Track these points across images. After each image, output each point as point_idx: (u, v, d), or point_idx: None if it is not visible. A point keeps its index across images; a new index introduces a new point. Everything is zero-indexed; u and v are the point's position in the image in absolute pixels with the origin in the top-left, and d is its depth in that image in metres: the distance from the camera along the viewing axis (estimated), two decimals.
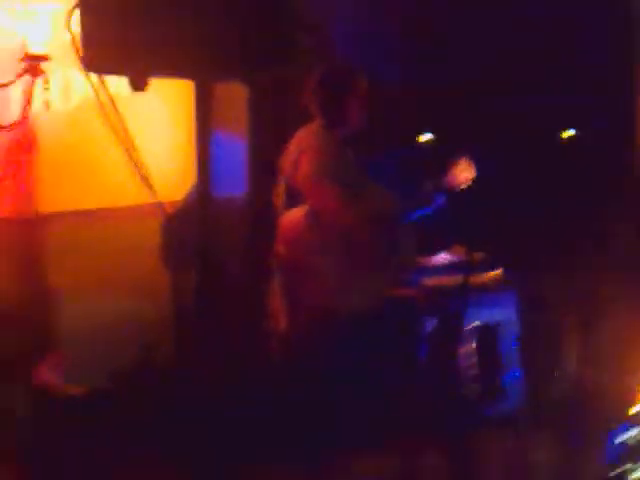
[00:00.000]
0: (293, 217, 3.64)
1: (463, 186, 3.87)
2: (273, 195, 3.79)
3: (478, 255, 3.78)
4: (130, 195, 3.88)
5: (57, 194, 4.19)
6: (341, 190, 3.55)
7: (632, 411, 3.63)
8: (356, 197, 3.62)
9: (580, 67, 4.67)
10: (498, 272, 3.93)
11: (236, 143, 4.39)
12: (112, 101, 2.59)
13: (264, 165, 4.21)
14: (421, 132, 4.36)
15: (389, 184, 3.80)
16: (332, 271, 3.57)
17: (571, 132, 4.26)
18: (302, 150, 3.62)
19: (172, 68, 2.48)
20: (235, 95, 4.14)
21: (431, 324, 3.95)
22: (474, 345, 3.76)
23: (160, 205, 2.72)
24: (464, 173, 3.88)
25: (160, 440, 3.24)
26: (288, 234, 3.63)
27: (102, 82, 2.62)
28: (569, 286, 4.26)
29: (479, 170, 3.87)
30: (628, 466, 3.47)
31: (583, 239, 3.87)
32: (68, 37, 2.58)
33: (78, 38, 2.53)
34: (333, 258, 3.58)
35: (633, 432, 3.55)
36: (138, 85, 2.53)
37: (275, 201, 3.79)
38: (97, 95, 2.59)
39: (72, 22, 2.56)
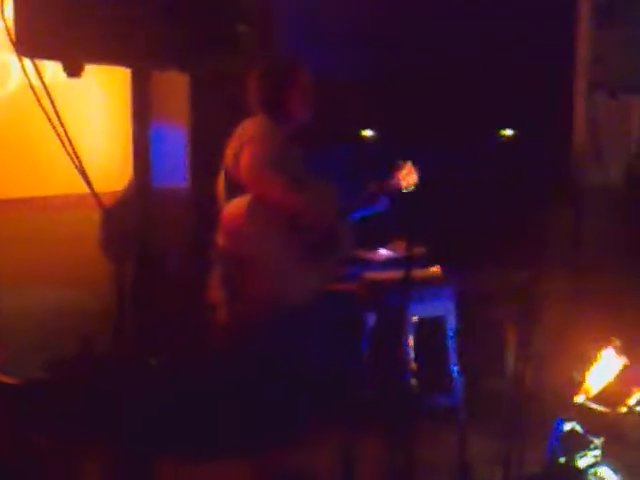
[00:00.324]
0: (233, 208, 3.62)
1: (406, 190, 3.94)
2: (216, 186, 3.77)
3: (418, 250, 3.80)
4: (68, 184, 3.82)
5: None
6: (284, 179, 3.55)
7: (573, 403, 3.70)
8: (299, 188, 3.62)
9: (519, 67, 4.73)
10: (437, 267, 3.97)
11: (177, 133, 4.36)
12: (46, 88, 2.53)
13: (206, 155, 4.19)
14: (364, 128, 4.39)
15: (332, 180, 3.81)
16: (271, 262, 3.56)
17: (509, 132, 4.32)
18: (245, 141, 3.61)
19: (107, 55, 2.44)
20: (177, 84, 4.11)
21: (372, 318, 3.98)
22: (412, 340, 3.78)
23: (96, 195, 2.66)
24: (407, 177, 3.95)
25: (96, 430, 3.21)
26: (228, 225, 3.61)
27: (36, 68, 2.56)
28: (507, 281, 4.31)
29: (420, 168, 3.94)
30: (569, 456, 3.55)
31: (521, 236, 3.92)
32: (1, 21, 2.53)
33: (11, 23, 2.48)
34: (272, 249, 3.58)
35: (573, 424, 3.62)
36: (73, 71, 2.48)
37: (217, 192, 3.77)
38: (30, 82, 2.53)
39: (5, 6, 2.51)
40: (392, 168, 3.95)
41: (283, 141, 3.65)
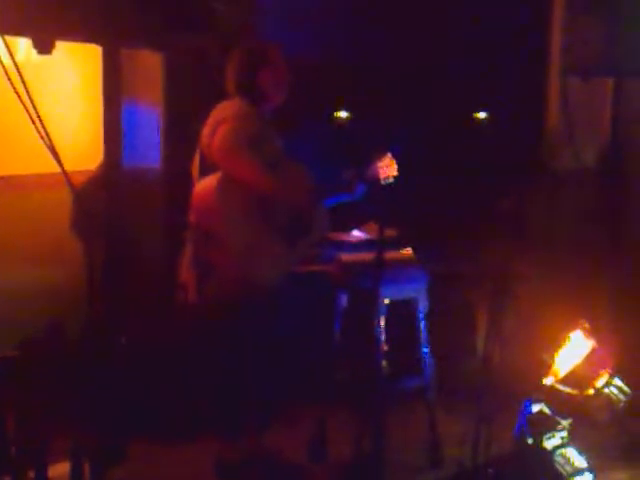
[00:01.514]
0: (203, 185, 3.61)
1: (384, 182, 3.92)
2: (191, 167, 3.76)
3: (390, 232, 3.82)
4: (39, 163, 3.79)
5: None
6: (257, 158, 3.54)
7: (541, 384, 3.74)
8: (272, 169, 3.61)
9: (493, 50, 4.74)
10: (409, 250, 3.99)
11: (152, 114, 4.33)
12: (17, 66, 2.51)
13: (180, 136, 4.17)
14: (338, 109, 4.38)
15: (306, 161, 3.81)
16: (239, 240, 3.56)
17: (482, 114, 4.33)
18: (219, 120, 3.59)
19: (78, 32, 2.42)
20: (151, 63, 4.07)
21: (344, 299, 4.00)
22: (383, 321, 3.80)
23: (66, 174, 2.65)
24: (387, 169, 3.93)
25: (67, 410, 3.21)
26: (198, 202, 3.60)
27: (7, 46, 2.54)
28: (478, 264, 4.35)
29: (393, 151, 3.92)
30: (537, 437, 3.59)
31: (493, 219, 3.95)
32: None
33: None
34: (241, 227, 3.57)
35: (541, 405, 3.66)
36: (44, 48, 2.46)
37: (192, 173, 3.75)
38: (1, 59, 2.50)
39: None
40: (371, 157, 3.93)
41: (258, 122, 3.64)
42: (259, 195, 3.58)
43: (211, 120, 3.65)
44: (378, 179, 3.91)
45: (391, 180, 3.92)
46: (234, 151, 3.51)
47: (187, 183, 3.77)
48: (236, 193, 3.55)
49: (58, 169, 2.79)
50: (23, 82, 2.50)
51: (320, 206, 3.80)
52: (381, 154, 3.94)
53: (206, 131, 3.65)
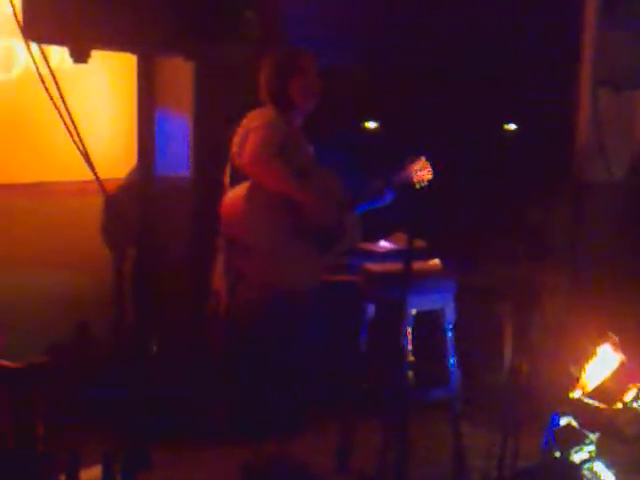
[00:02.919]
0: (233, 194, 3.63)
1: (418, 186, 3.90)
2: (222, 175, 3.78)
3: (418, 243, 3.81)
4: (70, 171, 3.83)
5: None
6: (286, 167, 3.55)
7: (569, 398, 3.71)
8: (302, 177, 3.62)
9: (524, 62, 4.73)
10: (437, 260, 3.98)
11: (181, 122, 4.36)
12: (52, 73, 2.53)
13: (209, 144, 4.19)
14: (368, 119, 4.39)
15: (336, 170, 3.82)
16: (269, 248, 3.56)
17: (512, 126, 4.32)
18: (249, 129, 3.61)
19: (114, 41, 2.44)
20: (181, 72, 4.11)
21: (371, 310, 4.00)
22: (410, 332, 3.79)
23: (100, 181, 2.67)
24: (421, 173, 3.91)
25: (95, 414, 3.23)
26: (228, 211, 3.62)
27: (43, 53, 2.57)
28: (506, 275, 4.33)
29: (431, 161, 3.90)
30: (564, 451, 3.56)
31: (521, 230, 3.93)
32: (9, 6, 2.53)
33: (19, 7, 2.48)
34: (270, 235, 3.58)
35: (569, 418, 3.64)
36: (80, 57, 2.48)
37: (224, 182, 3.77)
38: (36, 66, 2.53)
39: None
40: (405, 162, 3.89)
41: (288, 130, 3.65)
42: (289, 203, 3.60)
43: (241, 129, 3.67)
44: (412, 183, 3.88)
45: (425, 184, 3.89)
46: (263, 160, 3.52)
47: (217, 191, 3.79)
48: (265, 202, 3.57)
49: (88, 177, 2.82)
50: (58, 89, 2.53)
51: (351, 213, 3.80)
52: (415, 157, 3.92)
53: (236, 140, 3.67)
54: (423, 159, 3.92)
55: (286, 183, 3.56)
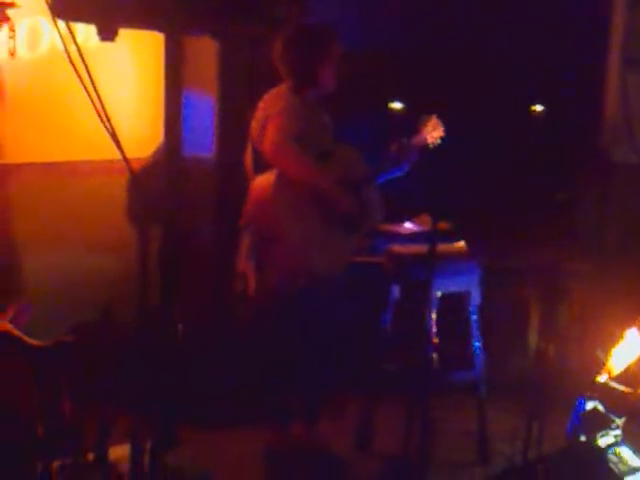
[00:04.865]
0: (260, 183, 3.61)
1: (432, 145, 3.86)
2: (244, 158, 3.76)
3: (443, 225, 3.79)
4: (98, 149, 3.82)
5: (22, 145, 4.11)
6: (305, 154, 3.52)
7: (596, 382, 3.68)
8: (322, 160, 3.59)
9: (551, 43, 4.67)
10: (462, 243, 3.95)
11: (205, 102, 4.34)
12: (80, 51, 2.52)
13: (233, 124, 4.17)
14: (392, 100, 4.35)
15: (359, 149, 3.79)
16: (298, 236, 3.56)
17: (539, 107, 4.26)
18: (268, 115, 3.57)
19: (142, 20, 2.43)
20: (206, 52, 4.08)
21: (396, 291, 3.98)
22: (435, 314, 3.78)
23: (127, 160, 2.66)
24: (433, 131, 3.87)
25: (122, 394, 3.24)
26: (256, 199, 3.61)
27: (70, 31, 2.55)
28: (533, 259, 4.29)
29: (448, 140, 3.87)
30: (590, 435, 3.54)
31: (549, 213, 3.89)
32: None
33: None
34: (299, 223, 3.56)
35: (595, 403, 3.61)
36: (107, 35, 2.47)
37: (245, 165, 3.75)
38: (64, 44, 2.52)
39: None
40: (417, 123, 3.85)
41: (307, 111, 3.61)
42: (315, 190, 3.57)
43: (259, 114, 3.63)
44: (426, 144, 3.85)
45: (439, 142, 3.85)
46: (283, 150, 3.50)
47: (240, 173, 3.77)
48: (292, 189, 3.55)
49: (113, 155, 2.81)
50: (86, 68, 2.52)
51: (373, 188, 3.76)
52: (426, 117, 3.87)
53: (255, 125, 3.64)
54: (434, 117, 3.87)
55: (307, 170, 3.54)
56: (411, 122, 3.96)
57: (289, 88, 3.63)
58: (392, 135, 3.98)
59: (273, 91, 3.66)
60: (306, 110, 3.60)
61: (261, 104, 3.65)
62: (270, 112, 3.57)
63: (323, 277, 3.59)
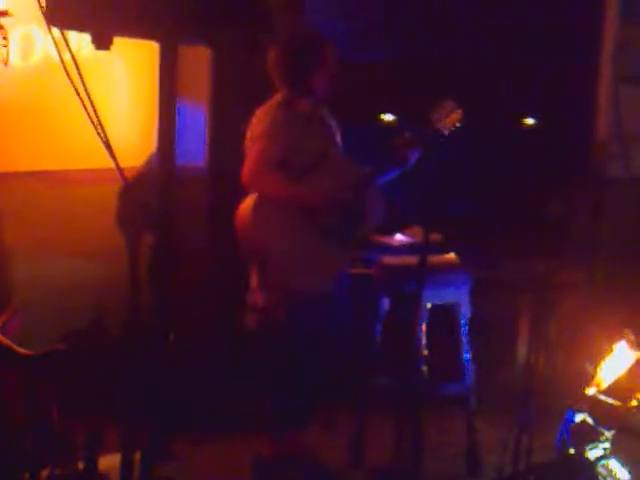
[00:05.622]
0: (243, 207, 3.59)
1: (449, 130, 3.70)
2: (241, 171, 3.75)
3: (434, 236, 3.79)
4: (90, 158, 3.82)
5: (14, 153, 4.11)
6: (286, 178, 3.50)
7: (584, 394, 3.70)
8: (313, 171, 3.58)
9: (543, 56, 4.70)
10: (453, 254, 3.96)
11: (198, 111, 4.34)
12: (75, 60, 2.52)
13: (226, 133, 4.17)
14: (383, 112, 4.36)
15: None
16: (283, 254, 3.54)
17: (530, 120, 4.28)
18: (255, 136, 3.55)
19: (137, 29, 2.43)
20: (198, 61, 4.09)
21: (386, 303, 3.98)
22: (424, 326, 3.78)
23: (120, 169, 2.66)
24: (450, 115, 3.70)
25: (111, 403, 3.23)
26: (239, 224, 3.59)
27: (64, 39, 2.56)
28: (523, 271, 4.31)
29: (440, 151, 3.85)
30: (579, 448, 3.54)
31: (539, 225, 3.90)
32: None
33: None
34: (283, 242, 3.55)
35: (584, 415, 3.62)
36: (102, 43, 2.47)
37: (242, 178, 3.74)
38: (59, 52, 2.52)
39: None
40: (432, 108, 3.66)
41: (301, 123, 3.59)
42: (298, 204, 3.56)
43: (249, 132, 3.62)
44: (444, 128, 3.68)
45: (454, 129, 3.67)
46: (259, 177, 3.49)
47: (232, 181, 3.77)
48: (275, 207, 3.54)
49: (105, 164, 2.81)
50: (80, 76, 2.52)
51: (374, 191, 3.74)
52: (442, 101, 3.68)
53: (248, 143, 3.62)
54: (451, 101, 3.68)
55: (287, 193, 3.53)
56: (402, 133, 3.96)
57: (280, 101, 3.61)
58: (383, 148, 3.98)
59: (265, 105, 3.64)
60: (299, 121, 3.59)
61: (254, 119, 3.63)
62: (254, 133, 3.56)
63: (318, 293, 3.58)
